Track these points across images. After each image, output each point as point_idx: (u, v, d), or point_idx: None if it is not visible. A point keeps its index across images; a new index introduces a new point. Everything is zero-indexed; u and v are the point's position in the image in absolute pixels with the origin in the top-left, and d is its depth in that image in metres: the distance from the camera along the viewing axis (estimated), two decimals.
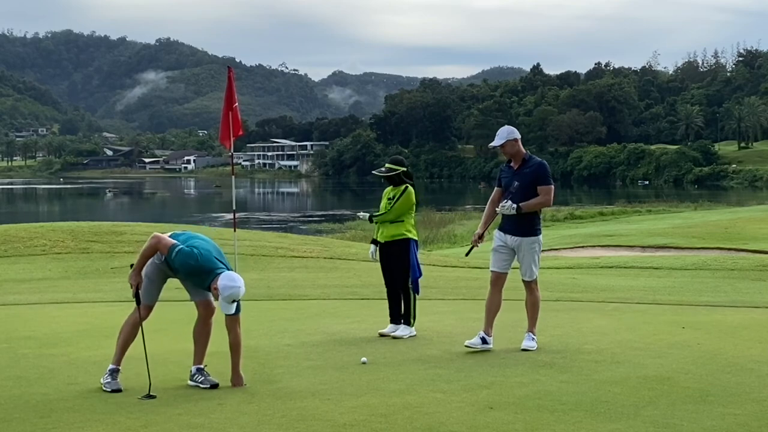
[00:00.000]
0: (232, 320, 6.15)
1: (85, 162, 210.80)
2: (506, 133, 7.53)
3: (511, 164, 7.60)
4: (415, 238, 8.55)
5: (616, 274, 17.17)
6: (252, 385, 6.21)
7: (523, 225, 7.49)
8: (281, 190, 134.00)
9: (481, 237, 7.87)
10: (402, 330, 8.16)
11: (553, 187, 7.53)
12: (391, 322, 8.30)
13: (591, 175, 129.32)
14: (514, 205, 7.41)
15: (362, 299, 11.57)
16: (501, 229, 7.63)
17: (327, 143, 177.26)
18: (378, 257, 8.52)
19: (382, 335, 8.11)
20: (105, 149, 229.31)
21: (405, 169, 8.54)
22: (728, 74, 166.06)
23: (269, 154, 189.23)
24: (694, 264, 18.20)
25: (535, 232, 7.53)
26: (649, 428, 5.07)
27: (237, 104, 7.16)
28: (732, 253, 22.24)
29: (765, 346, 7.58)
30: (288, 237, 25.63)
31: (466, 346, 7.33)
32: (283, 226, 55.98)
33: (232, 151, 7.35)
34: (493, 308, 7.56)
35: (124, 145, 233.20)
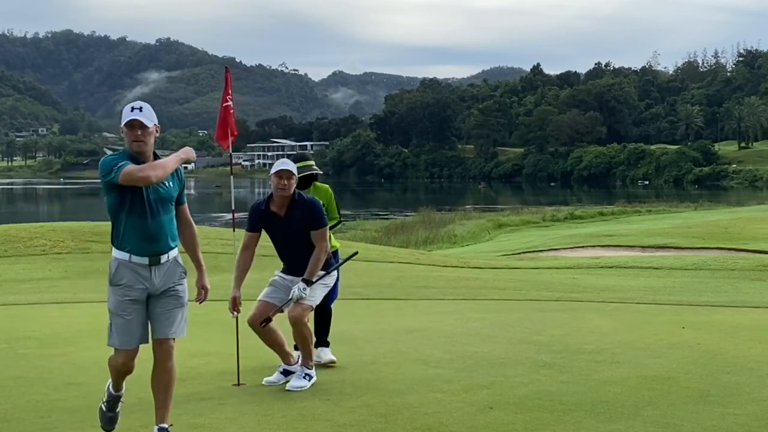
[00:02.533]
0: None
1: (86, 162, 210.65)
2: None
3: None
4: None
5: (616, 274, 17.18)
6: (252, 385, 6.21)
7: None
8: None
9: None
10: (329, 353, 6.98)
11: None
12: (319, 345, 6.92)
13: (591, 175, 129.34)
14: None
15: (362, 299, 11.56)
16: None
17: (327, 143, 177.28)
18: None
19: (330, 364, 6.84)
20: (105, 149, 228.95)
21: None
22: (728, 74, 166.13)
23: (269, 154, 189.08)
24: (694, 264, 18.21)
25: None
26: (649, 428, 5.07)
27: (228, 104, 7.06)
28: (732, 253, 22.24)
29: (765, 346, 7.57)
30: None
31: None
32: None
33: (231, 150, 7.25)
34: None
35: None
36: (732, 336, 8.06)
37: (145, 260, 4.72)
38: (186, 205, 5.06)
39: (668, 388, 6.00)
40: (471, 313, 9.84)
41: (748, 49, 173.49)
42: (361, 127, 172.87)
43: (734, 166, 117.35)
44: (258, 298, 6.47)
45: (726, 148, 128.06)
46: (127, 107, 4.75)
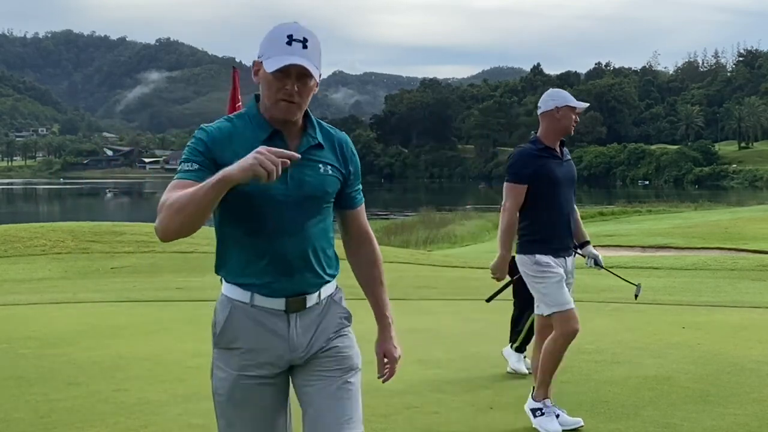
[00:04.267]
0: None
1: (85, 162, 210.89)
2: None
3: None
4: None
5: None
6: None
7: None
8: None
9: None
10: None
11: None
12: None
13: (591, 175, 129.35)
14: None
15: (362, 299, 11.56)
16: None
17: None
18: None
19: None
20: (105, 149, 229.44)
21: None
22: (728, 74, 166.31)
23: None
24: (694, 264, 18.18)
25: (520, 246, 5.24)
26: (649, 428, 5.07)
27: (240, 104, 7.13)
28: (732, 253, 22.22)
29: (765, 346, 7.57)
30: None
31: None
32: None
33: None
34: None
35: (124, 145, 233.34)
36: (732, 336, 8.06)
37: (280, 303, 2.70)
38: (362, 208, 2.98)
39: (668, 388, 5.99)
40: (471, 313, 9.83)
41: (748, 49, 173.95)
42: (361, 127, 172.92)
43: (734, 166, 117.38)
44: (562, 309, 5.02)
45: (726, 148, 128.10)
46: (278, 32, 2.61)
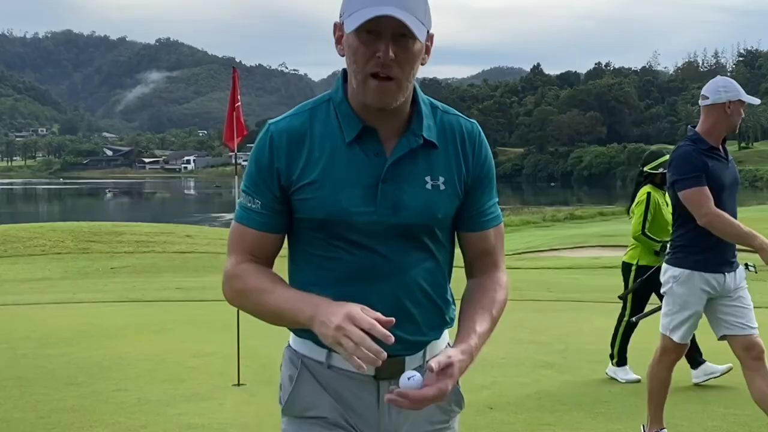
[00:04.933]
0: None
1: (85, 162, 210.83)
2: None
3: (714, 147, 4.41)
4: (639, 262, 6.74)
5: (616, 274, 17.14)
6: (252, 385, 6.20)
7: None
8: None
9: None
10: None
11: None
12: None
13: (591, 176, 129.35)
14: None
15: None
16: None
17: None
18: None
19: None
20: (105, 149, 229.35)
21: (643, 168, 7.23)
22: (728, 74, 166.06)
23: None
24: None
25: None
26: None
27: (239, 104, 7.16)
28: None
29: (765, 346, 7.56)
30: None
31: None
32: None
33: (236, 151, 7.33)
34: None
35: (124, 145, 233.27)
36: None
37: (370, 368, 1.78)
38: (496, 231, 2.01)
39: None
40: None
41: (748, 49, 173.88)
42: None
43: None
44: (675, 341, 4.85)
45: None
46: None
